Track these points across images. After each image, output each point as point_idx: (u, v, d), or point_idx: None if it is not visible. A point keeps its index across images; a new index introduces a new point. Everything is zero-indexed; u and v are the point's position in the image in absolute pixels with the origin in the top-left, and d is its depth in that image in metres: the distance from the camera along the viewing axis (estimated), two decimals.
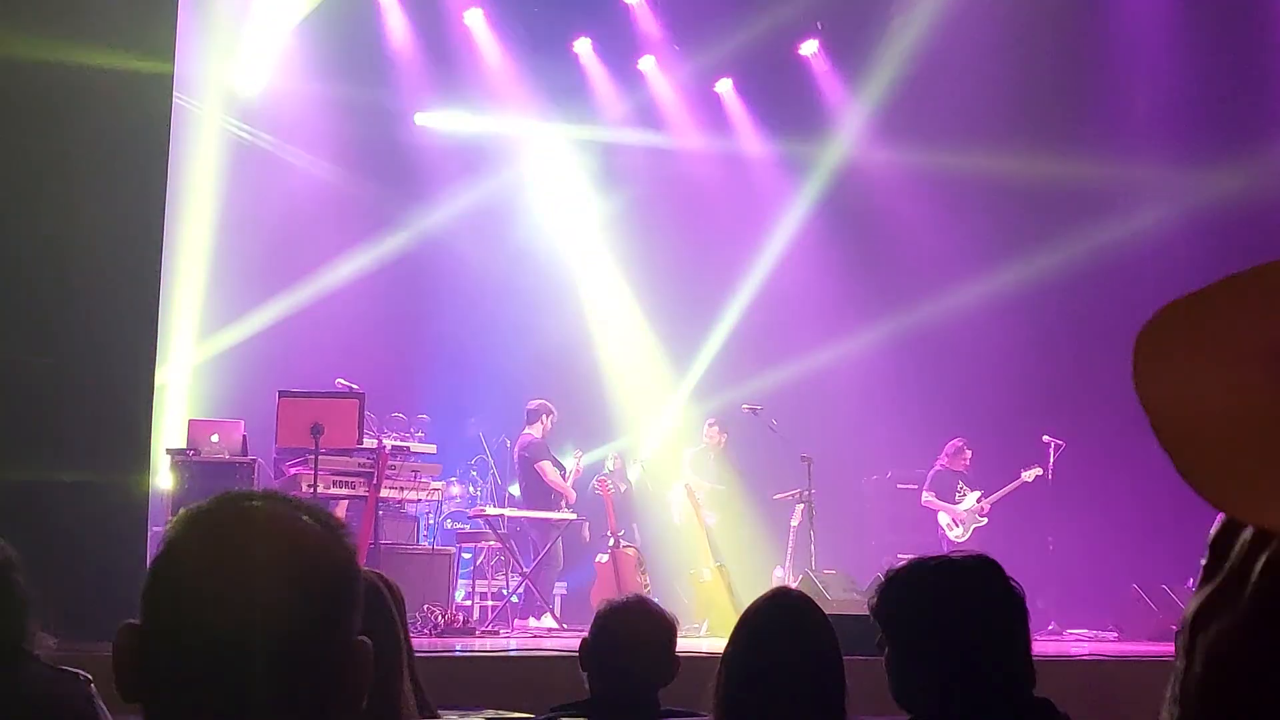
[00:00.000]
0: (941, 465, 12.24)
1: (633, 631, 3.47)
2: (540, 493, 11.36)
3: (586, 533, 11.71)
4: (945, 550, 12.05)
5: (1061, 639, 10.77)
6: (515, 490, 12.10)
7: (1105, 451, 12.25)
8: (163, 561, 1.26)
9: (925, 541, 12.35)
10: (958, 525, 12.15)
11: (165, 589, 1.24)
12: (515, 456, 11.66)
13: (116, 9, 7.38)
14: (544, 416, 11.59)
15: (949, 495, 12.18)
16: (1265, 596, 1.17)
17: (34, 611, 2.94)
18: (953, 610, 2.60)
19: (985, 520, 12.02)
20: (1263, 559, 1.18)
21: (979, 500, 11.99)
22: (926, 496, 12.27)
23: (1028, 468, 11.76)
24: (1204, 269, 11.90)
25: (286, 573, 1.23)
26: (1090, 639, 10.81)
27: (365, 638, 1.29)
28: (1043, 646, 9.47)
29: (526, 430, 11.56)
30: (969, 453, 12.21)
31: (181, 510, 1.31)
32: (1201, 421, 1.15)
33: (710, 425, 12.27)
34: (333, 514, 1.34)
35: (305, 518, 1.29)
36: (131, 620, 1.26)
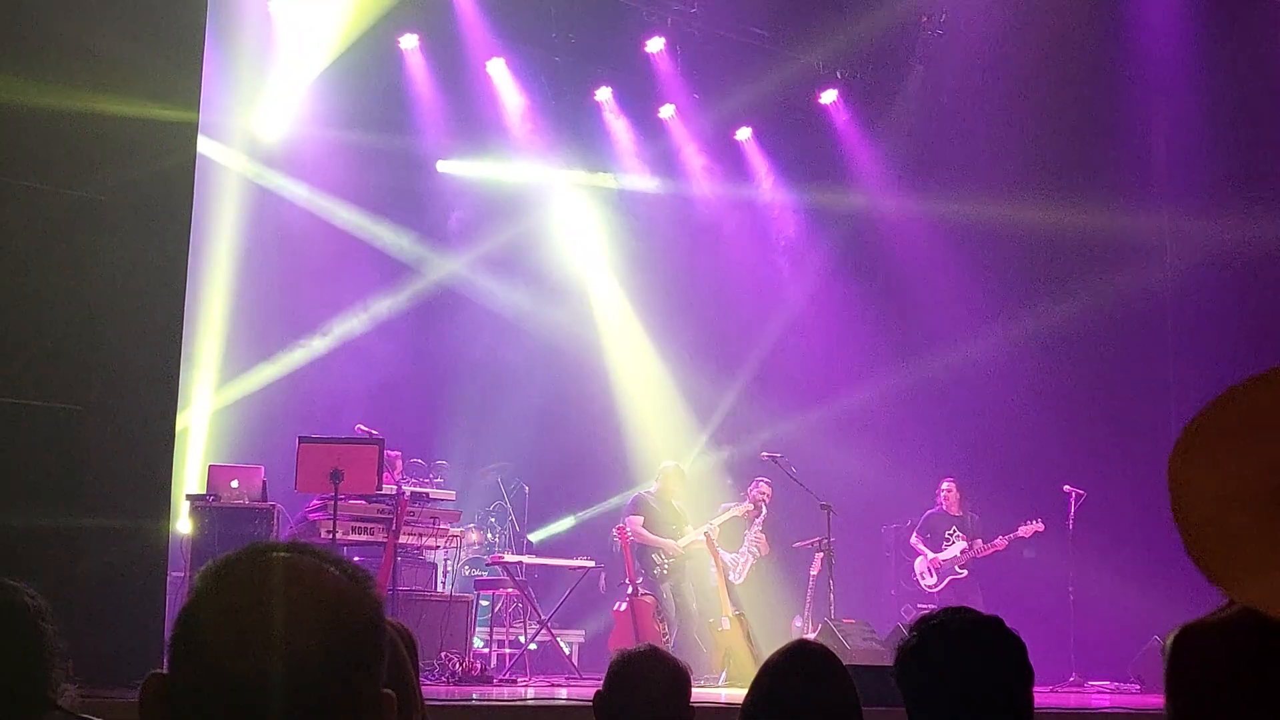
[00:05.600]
0: (935, 508, 12.18)
1: (646, 681, 3.46)
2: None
3: (603, 582, 11.65)
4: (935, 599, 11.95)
5: (1083, 690, 10.67)
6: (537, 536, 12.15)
7: (1127, 501, 12.17)
8: (190, 611, 1.27)
9: None
10: (931, 574, 12.02)
11: (192, 639, 1.25)
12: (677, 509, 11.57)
13: (143, 59, 7.47)
14: None
15: (937, 540, 12.08)
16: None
17: (59, 660, 2.95)
18: (965, 674, 2.72)
19: (965, 573, 11.88)
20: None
21: (962, 553, 11.87)
22: (914, 539, 12.18)
23: (1027, 521, 11.65)
24: (1221, 318, 11.90)
25: (312, 624, 1.24)
26: (1112, 690, 10.71)
27: (389, 689, 1.30)
28: (1064, 698, 9.38)
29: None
30: (957, 495, 12.10)
31: (209, 561, 1.32)
32: (1224, 511, 1.21)
33: (760, 483, 11.87)
34: (358, 565, 1.34)
35: (331, 569, 1.30)
36: (158, 670, 1.27)
